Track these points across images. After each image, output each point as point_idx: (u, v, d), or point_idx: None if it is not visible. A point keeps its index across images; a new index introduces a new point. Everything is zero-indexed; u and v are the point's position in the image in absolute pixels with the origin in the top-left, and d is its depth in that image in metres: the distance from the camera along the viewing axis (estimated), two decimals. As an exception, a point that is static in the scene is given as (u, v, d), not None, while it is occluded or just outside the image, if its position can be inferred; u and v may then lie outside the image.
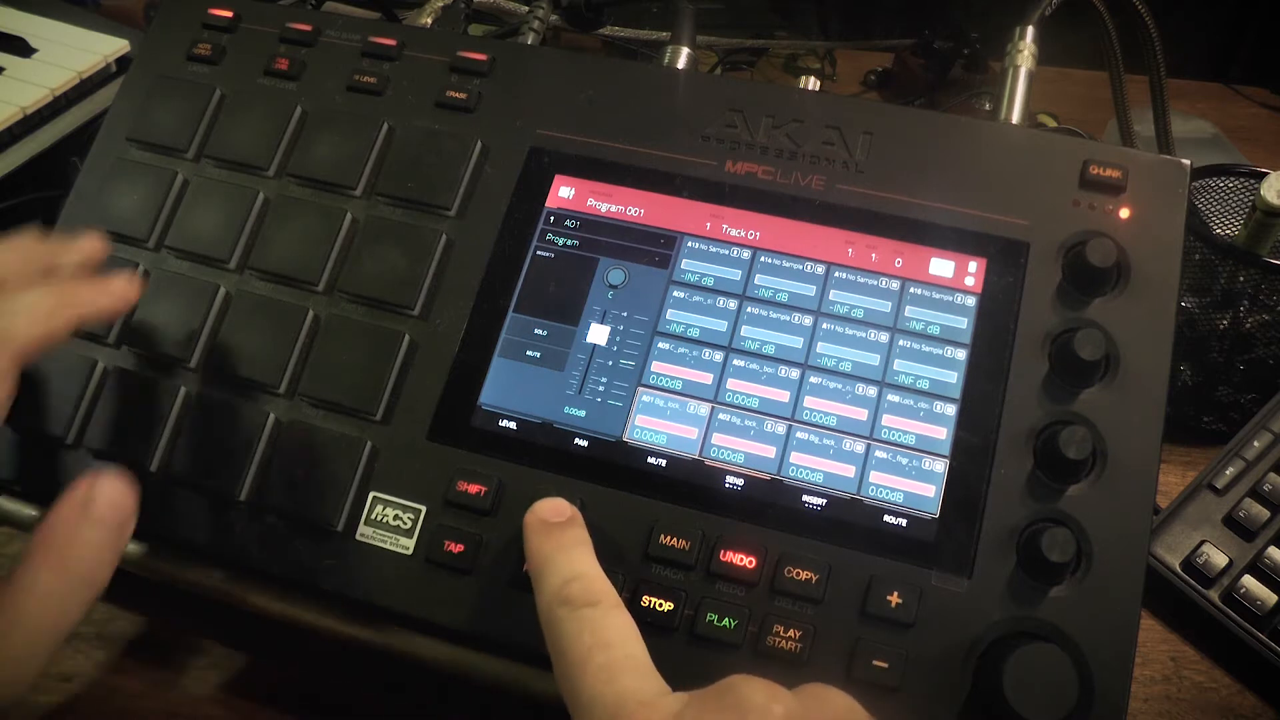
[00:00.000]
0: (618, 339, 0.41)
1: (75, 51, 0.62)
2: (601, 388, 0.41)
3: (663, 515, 0.38)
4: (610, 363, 0.41)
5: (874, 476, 0.38)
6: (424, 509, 0.40)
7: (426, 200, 0.44)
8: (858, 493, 0.38)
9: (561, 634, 0.30)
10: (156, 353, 0.43)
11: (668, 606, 0.37)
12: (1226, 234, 0.58)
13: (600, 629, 0.30)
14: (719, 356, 0.41)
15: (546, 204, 0.44)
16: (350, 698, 0.43)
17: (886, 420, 0.39)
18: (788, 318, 0.41)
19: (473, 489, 0.39)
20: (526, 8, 0.62)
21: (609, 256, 0.42)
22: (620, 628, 0.30)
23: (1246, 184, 0.57)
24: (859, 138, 0.43)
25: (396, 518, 0.40)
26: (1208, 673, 0.46)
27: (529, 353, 0.42)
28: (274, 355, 0.42)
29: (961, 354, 0.39)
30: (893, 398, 0.39)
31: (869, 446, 0.38)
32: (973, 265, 0.40)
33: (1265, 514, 0.47)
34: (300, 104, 0.47)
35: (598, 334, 0.41)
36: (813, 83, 0.46)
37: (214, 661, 0.44)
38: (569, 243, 0.43)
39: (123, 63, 0.63)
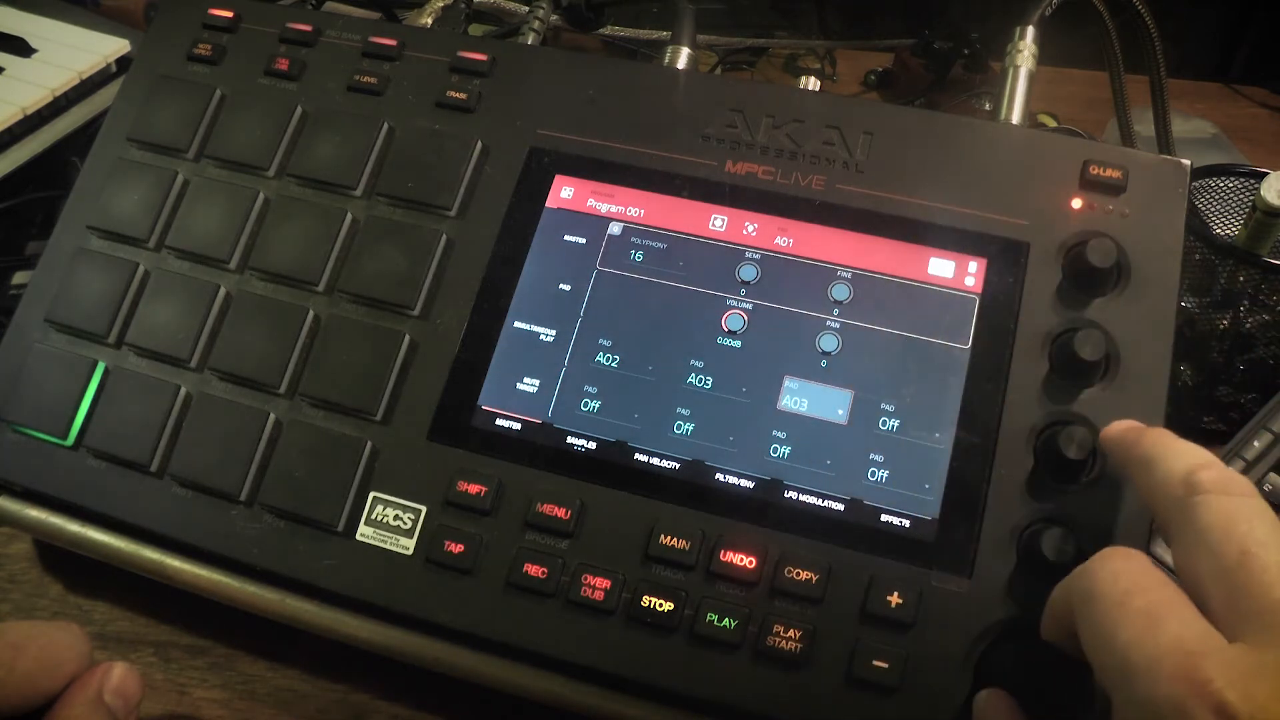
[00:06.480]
0: (617, 340, 0.41)
1: (75, 51, 0.62)
2: (601, 388, 0.41)
3: (663, 515, 0.38)
4: (610, 364, 0.41)
5: (874, 476, 0.38)
6: (424, 509, 0.40)
7: (426, 200, 0.44)
8: (857, 493, 0.38)
9: (1203, 524, 0.26)
10: (156, 353, 0.43)
11: (668, 606, 0.37)
12: (1226, 234, 0.58)
13: (1255, 517, 0.26)
14: (719, 357, 0.41)
15: (546, 204, 0.44)
16: (350, 698, 0.43)
17: (887, 420, 0.39)
18: (788, 318, 0.41)
19: (473, 489, 0.39)
20: (526, 8, 0.62)
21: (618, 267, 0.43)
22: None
23: (1246, 184, 0.57)
24: (859, 138, 0.43)
25: (397, 518, 0.40)
26: (1208, 673, 0.46)
27: (529, 353, 0.42)
28: (274, 355, 0.42)
29: (962, 354, 0.39)
30: (893, 398, 0.39)
31: (869, 446, 0.38)
32: (973, 265, 0.40)
33: (1265, 514, 0.47)
34: (300, 104, 0.47)
35: (597, 335, 0.41)
36: (813, 83, 0.46)
37: (214, 661, 0.44)
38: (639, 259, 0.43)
39: (123, 63, 0.63)
